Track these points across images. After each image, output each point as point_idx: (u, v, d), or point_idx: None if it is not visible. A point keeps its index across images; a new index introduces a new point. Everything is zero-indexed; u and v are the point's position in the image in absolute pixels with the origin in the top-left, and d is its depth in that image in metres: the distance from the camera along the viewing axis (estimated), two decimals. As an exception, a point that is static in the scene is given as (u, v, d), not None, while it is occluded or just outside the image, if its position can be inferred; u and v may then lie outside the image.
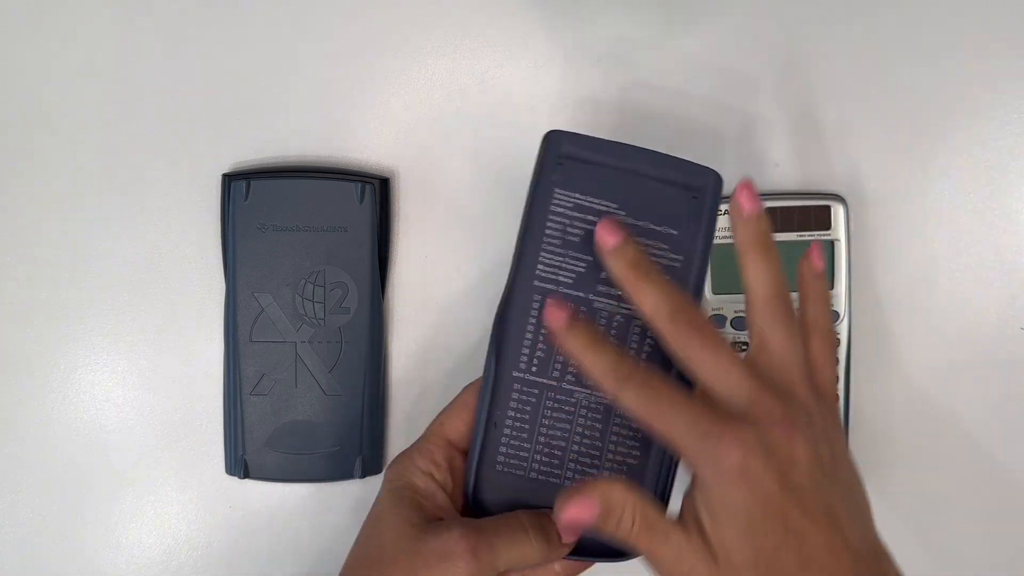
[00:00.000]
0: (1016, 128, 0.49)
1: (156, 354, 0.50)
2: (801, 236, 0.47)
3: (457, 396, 0.41)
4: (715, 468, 0.34)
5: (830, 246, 0.48)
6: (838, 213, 0.48)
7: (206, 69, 0.49)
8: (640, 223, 0.39)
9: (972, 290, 0.49)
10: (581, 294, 0.39)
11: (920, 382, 0.49)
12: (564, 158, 0.39)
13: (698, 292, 0.39)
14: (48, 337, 0.50)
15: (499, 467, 0.39)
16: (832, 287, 0.47)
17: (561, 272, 0.39)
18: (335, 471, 0.48)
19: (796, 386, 0.36)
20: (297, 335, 0.47)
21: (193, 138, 0.49)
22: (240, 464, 0.48)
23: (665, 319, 0.36)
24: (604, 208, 0.39)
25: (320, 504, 0.50)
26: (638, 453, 0.39)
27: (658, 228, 0.39)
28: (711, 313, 0.48)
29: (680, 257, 0.39)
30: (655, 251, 0.39)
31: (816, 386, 0.37)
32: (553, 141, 0.40)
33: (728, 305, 0.48)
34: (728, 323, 0.48)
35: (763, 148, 0.49)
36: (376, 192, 0.47)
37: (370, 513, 0.39)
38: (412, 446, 0.40)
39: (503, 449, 0.39)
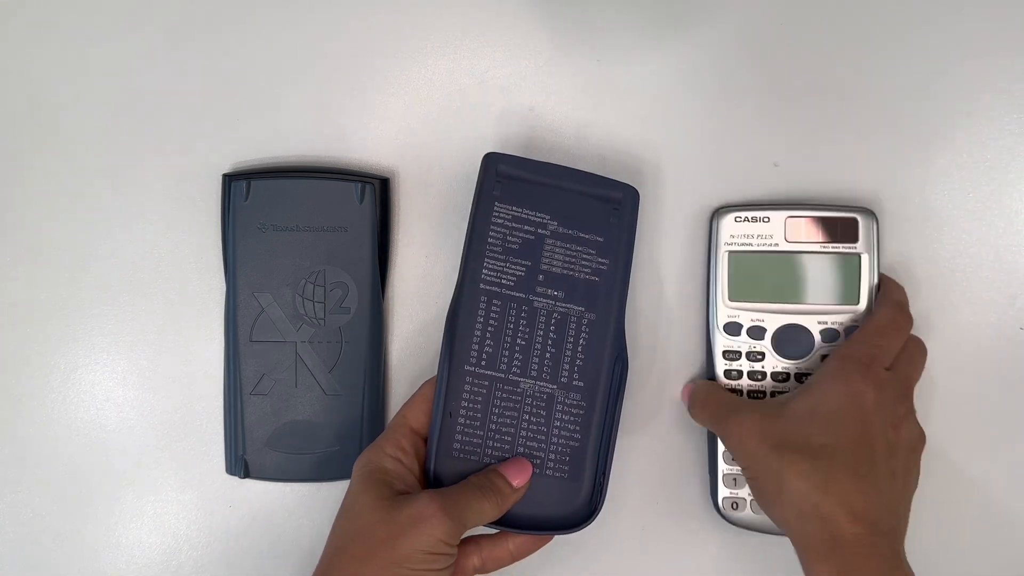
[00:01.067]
0: (1016, 128, 0.49)
1: (156, 354, 0.50)
2: (824, 247, 0.46)
3: (418, 389, 0.45)
4: (848, 376, 0.42)
5: (856, 260, 0.46)
6: (865, 225, 0.46)
7: (206, 69, 0.49)
8: (571, 231, 0.45)
9: (972, 290, 0.49)
10: (522, 295, 0.44)
11: (919, 382, 0.49)
12: (502, 177, 0.45)
13: (623, 288, 0.45)
14: (48, 337, 0.50)
15: (455, 453, 0.44)
16: (857, 302, 0.46)
17: (504, 276, 0.44)
18: (335, 471, 0.48)
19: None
20: (297, 335, 0.47)
21: (193, 138, 0.49)
22: (240, 464, 0.48)
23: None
24: (539, 219, 0.45)
25: (320, 504, 0.49)
26: (579, 436, 0.44)
27: (586, 236, 0.45)
28: (727, 320, 0.47)
29: (606, 260, 0.45)
30: (584, 256, 0.45)
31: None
32: (492, 161, 0.45)
33: (744, 313, 0.47)
34: (744, 331, 0.47)
35: (763, 148, 0.49)
36: (376, 192, 0.47)
37: (344, 500, 0.42)
38: (379, 438, 0.44)
39: (459, 436, 0.44)
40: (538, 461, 0.44)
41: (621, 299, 0.45)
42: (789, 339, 0.46)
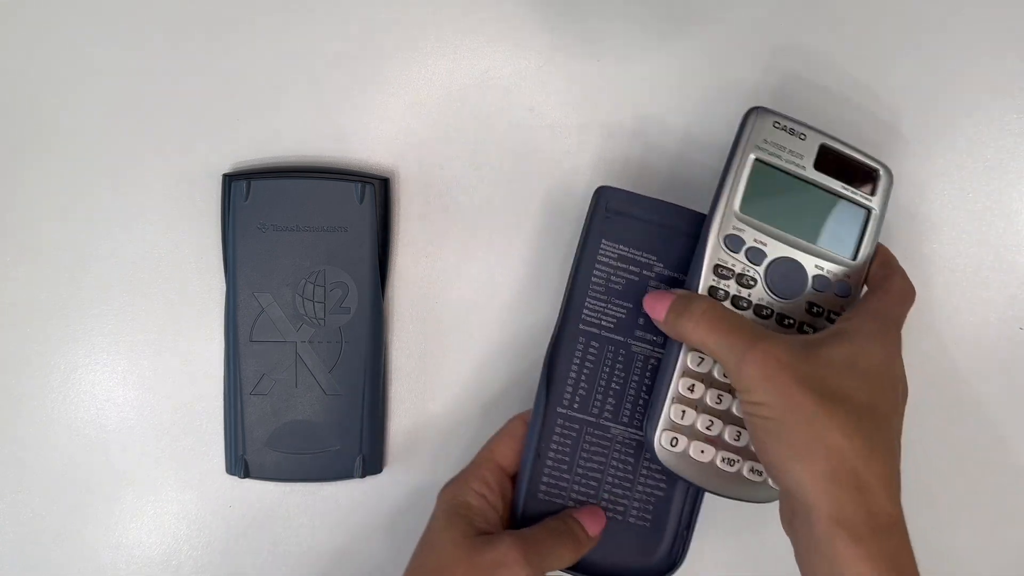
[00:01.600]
0: (1016, 128, 0.49)
1: (156, 354, 0.50)
2: (845, 188, 0.43)
3: (505, 425, 0.45)
4: (886, 331, 0.40)
5: (866, 214, 0.44)
6: (882, 182, 0.44)
7: (207, 69, 0.49)
8: (676, 275, 0.44)
9: (972, 290, 0.49)
10: (620, 338, 0.44)
11: (918, 382, 0.49)
12: (611, 212, 0.44)
13: None
14: (48, 337, 0.50)
15: (541, 495, 0.43)
16: (855, 258, 0.44)
17: (604, 317, 0.44)
18: (335, 471, 0.48)
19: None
20: (297, 335, 0.47)
21: (193, 138, 0.49)
22: (240, 464, 0.48)
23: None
24: (645, 260, 0.44)
25: (320, 504, 0.50)
26: (664, 486, 0.44)
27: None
28: (731, 232, 0.43)
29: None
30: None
31: None
32: (603, 196, 0.44)
33: (749, 231, 0.43)
34: (744, 249, 0.43)
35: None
36: (376, 192, 0.47)
37: (425, 532, 0.43)
38: (465, 470, 0.44)
39: (545, 479, 0.43)
40: (622, 508, 0.44)
41: None
42: (783, 274, 0.43)
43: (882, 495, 0.35)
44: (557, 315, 0.44)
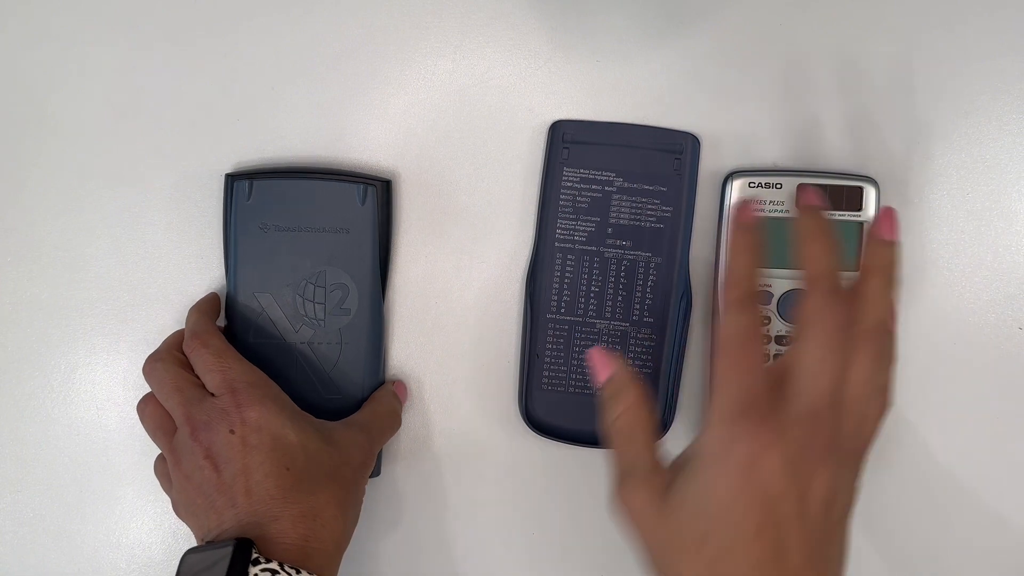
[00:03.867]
0: (1015, 128, 0.49)
1: (156, 354, 0.50)
2: (831, 215, 0.47)
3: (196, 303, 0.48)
4: (730, 444, 0.34)
5: (858, 227, 0.47)
6: (869, 195, 0.47)
7: (207, 69, 0.49)
8: (635, 185, 0.48)
9: (971, 290, 0.49)
10: (593, 248, 0.48)
11: (918, 382, 0.49)
12: (568, 142, 0.48)
13: (687, 232, 0.48)
14: (48, 337, 0.50)
15: (544, 386, 0.49)
16: (857, 269, 0.45)
17: (576, 233, 0.48)
18: None
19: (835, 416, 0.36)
20: (297, 335, 0.47)
21: (194, 138, 0.49)
22: None
23: (817, 286, 0.38)
24: (605, 178, 0.48)
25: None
26: (651, 364, 0.49)
27: (650, 187, 0.48)
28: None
29: (670, 208, 0.48)
30: (649, 206, 0.48)
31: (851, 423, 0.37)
32: (558, 129, 0.48)
33: (776, 282, 0.48)
34: (775, 302, 0.48)
35: (763, 147, 0.49)
36: (378, 194, 0.47)
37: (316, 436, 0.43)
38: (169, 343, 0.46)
39: (546, 373, 0.49)
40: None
41: (685, 242, 0.48)
42: (793, 303, 0.47)
43: None
44: (532, 239, 0.49)
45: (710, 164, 0.49)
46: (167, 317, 0.49)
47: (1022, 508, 0.50)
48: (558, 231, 0.48)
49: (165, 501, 0.49)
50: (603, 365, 0.40)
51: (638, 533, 0.37)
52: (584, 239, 0.48)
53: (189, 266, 0.49)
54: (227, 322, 0.48)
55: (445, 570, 0.50)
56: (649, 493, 0.36)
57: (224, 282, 0.48)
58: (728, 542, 0.33)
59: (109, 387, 0.50)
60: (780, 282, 0.48)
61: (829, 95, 0.49)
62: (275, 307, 0.47)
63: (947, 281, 0.49)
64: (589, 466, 0.49)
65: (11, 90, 0.49)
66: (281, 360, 0.47)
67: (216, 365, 0.43)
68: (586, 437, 0.48)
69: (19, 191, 0.49)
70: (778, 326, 0.48)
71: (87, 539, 0.50)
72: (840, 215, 0.47)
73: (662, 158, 0.48)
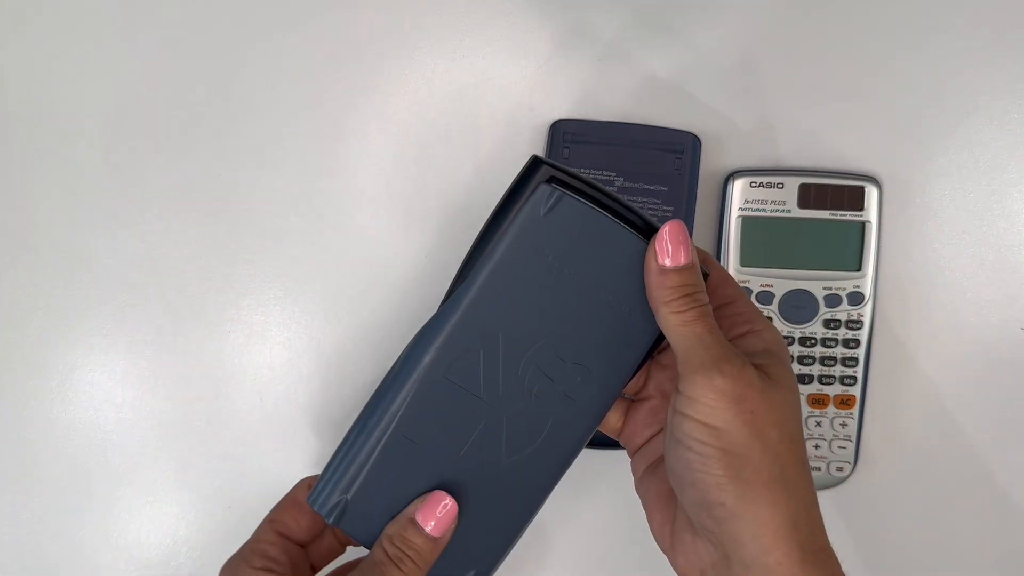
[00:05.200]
0: (1016, 128, 0.49)
1: (155, 354, 0.49)
2: (833, 215, 0.47)
3: (287, 493, 0.41)
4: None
5: (860, 227, 0.48)
6: (871, 195, 0.48)
7: (207, 69, 0.49)
8: (635, 185, 0.48)
9: (972, 290, 0.49)
10: None
11: (919, 382, 0.49)
12: (568, 142, 0.48)
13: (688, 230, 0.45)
14: (47, 337, 0.49)
15: None
16: (859, 268, 0.48)
17: None
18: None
19: None
20: (500, 401, 0.37)
21: (194, 138, 0.49)
22: (338, 507, 0.37)
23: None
24: (605, 177, 0.47)
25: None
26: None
27: (651, 187, 0.47)
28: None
29: (671, 208, 0.48)
30: (650, 206, 0.47)
31: None
32: (558, 129, 0.48)
33: (754, 279, 0.48)
34: (753, 296, 0.48)
35: (763, 147, 0.49)
36: None
37: None
38: (243, 547, 0.39)
39: None
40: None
41: None
42: (794, 304, 0.48)
43: (823, 535, 0.33)
44: None
45: (711, 164, 0.49)
46: (166, 317, 0.49)
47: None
48: None
49: (164, 501, 0.50)
50: (685, 251, 0.34)
51: (742, 409, 0.32)
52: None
53: (188, 266, 0.49)
54: (421, 338, 0.38)
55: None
56: (759, 374, 0.33)
57: (224, 283, 0.48)
58: (801, 439, 0.33)
59: (108, 387, 0.50)
60: (781, 282, 0.48)
61: (830, 95, 0.49)
62: (496, 355, 0.37)
63: (949, 281, 0.49)
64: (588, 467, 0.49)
65: (11, 90, 0.49)
66: (462, 417, 0.37)
67: None
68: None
69: (19, 191, 0.49)
70: (778, 326, 0.48)
71: (85, 540, 0.50)
72: (842, 215, 0.47)
73: (663, 158, 0.48)
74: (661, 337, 0.36)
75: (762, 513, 0.32)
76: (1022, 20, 0.49)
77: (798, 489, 0.32)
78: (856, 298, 0.47)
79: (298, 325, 0.49)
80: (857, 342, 0.47)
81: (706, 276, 0.35)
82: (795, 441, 0.33)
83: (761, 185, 0.47)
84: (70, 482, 0.50)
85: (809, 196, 0.47)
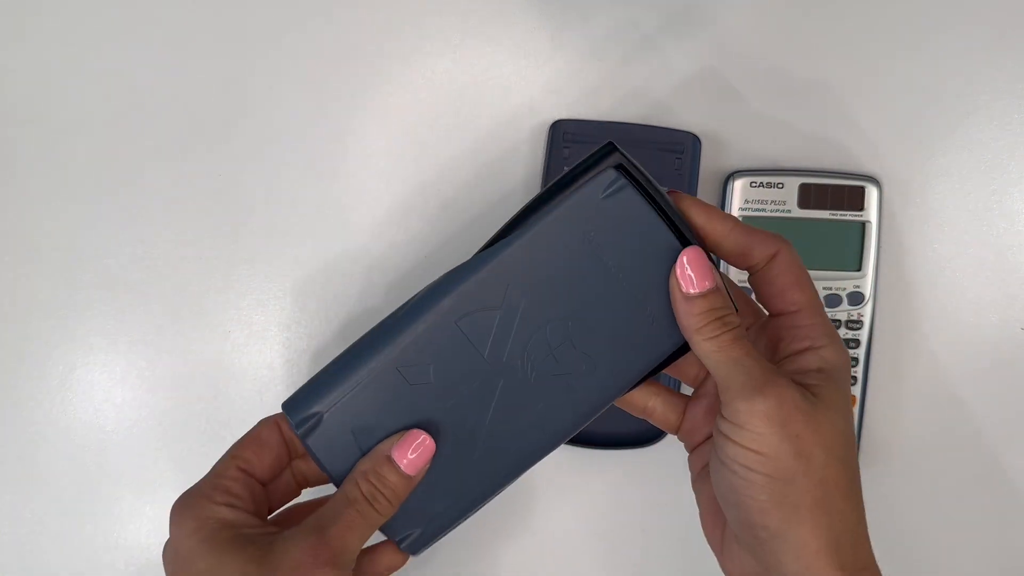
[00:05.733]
0: (1016, 128, 0.49)
1: (155, 354, 0.49)
2: (834, 215, 0.47)
3: (251, 430, 0.38)
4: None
5: (860, 227, 0.48)
6: (871, 195, 0.48)
7: (206, 69, 0.49)
8: None
9: (972, 290, 0.49)
10: None
11: (920, 382, 0.49)
12: (569, 141, 0.47)
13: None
14: (47, 337, 0.49)
15: None
16: (860, 269, 0.48)
17: None
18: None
19: None
20: (502, 368, 0.36)
21: (194, 138, 0.49)
22: (310, 419, 0.36)
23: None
24: None
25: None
26: None
27: None
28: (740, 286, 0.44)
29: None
30: None
31: None
32: (559, 128, 0.48)
33: None
34: (753, 296, 0.46)
35: (762, 147, 0.49)
36: None
37: (179, 566, 0.35)
38: (202, 481, 0.37)
39: None
40: None
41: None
42: None
43: (868, 554, 0.33)
44: None
45: (711, 164, 0.49)
46: (165, 317, 0.49)
47: (1024, 509, 0.50)
48: None
49: (163, 502, 0.49)
50: (708, 274, 0.34)
51: (787, 431, 0.31)
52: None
53: (187, 266, 0.49)
54: (443, 281, 0.36)
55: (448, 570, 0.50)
56: (802, 393, 0.32)
57: (225, 284, 0.48)
58: (852, 453, 0.33)
59: (107, 387, 0.50)
60: None
61: (830, 95, 0.49)
62: (515, 323, 0.36)
63: (949, 281, 0.49)
64: (592, 466, 0.49)
65: (10, 90, 0.49)
66: (462, 373, 0.36)
67: None
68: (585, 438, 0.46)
69: (18, 191, 0.49)
70: None
71: (85, 540, 0.50)
72: (842, 215, 0.47)
73: (663, 157, 0.48)
74: (676, 353, 0.36)
75: (804, 535, 0.32)
76: (1022, 20, 0.49)
77: (843, 512, 0.32)
78: (856, 298, 0.47)
79: (298, 325, 0.49)
80: (857, 342, 0.47)
81: (773, 280, 0.35)
82: (843, 462, 0.32)
83: (761, 185, 0.47)
84: (70, 482, 0.50)
85: (809, 196, 0.47)
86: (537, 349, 0.36)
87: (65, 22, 0.49)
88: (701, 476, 0.38)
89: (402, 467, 0.35)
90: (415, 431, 0.36)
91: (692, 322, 0.33)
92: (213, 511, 0.35)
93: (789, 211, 0.47)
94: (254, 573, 0.33)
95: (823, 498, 0.32)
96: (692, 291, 0.34)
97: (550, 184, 0.36)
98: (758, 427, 0.32)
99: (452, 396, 0.36)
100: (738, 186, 0.47)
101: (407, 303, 0.37)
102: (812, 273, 0.46)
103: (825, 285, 0.47)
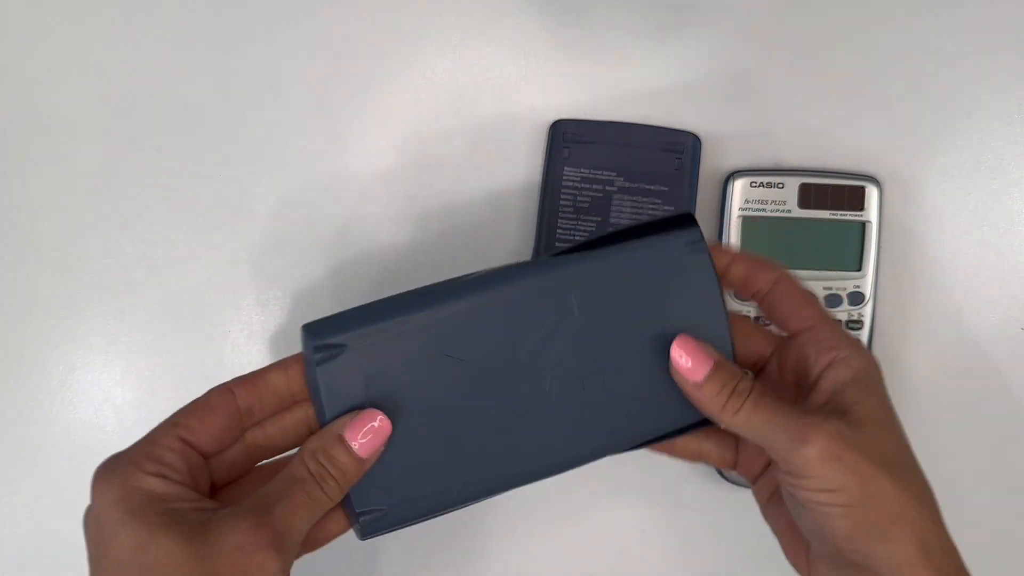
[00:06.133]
0: (1016, 128, 0.49)
1: (155, 354, 0.49)
2: (834, 215, 0.47)
3: (201, 396, 0.36)
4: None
5: (861, 227, 0.47)
6: (872, 195, 0.47)
7: (206, 69, 0.49)
8: (636, 185, 0.48)
9: (972, 290, 0.49)
10: None
11: (920, 382, 0.49)
12: (569, 141, 0.48)
13: None
14: (47, 337, 0.49)
15: None
16: (860, 269, 0.47)
17: (576, 232, 0.48)
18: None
19: None
20: (532, 371, 0.36)
21: (193, 138, 0.49)
22: (333, 348, 0.35)
23: None
24: (606, 177, 0.47)
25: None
26: None
27: (651, 187, 0.48)
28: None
29: (671, 208, 0.48)
30: (650, 206, 0.48)
31: None
32: (559, 128, 0.48)
33: None
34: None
35: (763, 147, 0.49)
36: None
37: (99, 544, 0.33)
38: (133, 447, 0.34)
39: None
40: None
41: None
42: None
43: (956, 554, 0.34)
44: (533, 239, 0.48)
45: (711, 163, 0.49)
46: (165, 318, 0.49)
47: (1024, 509, 0.49)
48: (559, 231, 0.48)
49: (164, 502, 0.49)
50: (703, 358, 0.35)
51: (845, 463, 0.33)
52: (584, 239, 0.47)
53: (187, 266, 0.49)
54: (514, 275, 0.36)
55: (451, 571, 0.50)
56: (843, 422, 0.34)
57: (224, 284, 0.48)
58: (909, 455, 0.35)
59: (107, 388, 0.49)
60: None
61: (830, 94, 0.49)
62: (563, 327, 0.36)
63: (950, 281, 0.49)
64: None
65: (10, 90, 0.49)
66: (491, 358, 0.36)
67: None
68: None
69: (18, 191, 0.49)
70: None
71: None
72: (842, 215, 0.47)
73: (663, 157, 0.48)
74: (679, 431, 0.36)
75: (894, 549, 0.33)
76: (1022, 20, 0.49)
77: (922, 518, 0.33)
78: (856, 298, 0.47)
79: (298, 325, 0.49)
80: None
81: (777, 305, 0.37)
82: (905, 468, 0.34)
83: (761, 185, 0.47)
84: (70, 483, 0.50)
85: (809, 196, 0.47)
86: (571, 368, 0.36)
87: (65, 22, 0.49)
88: (771, 505, 0.38)
89: (355, 449, 0.34)
90: (371, 411, 0.34)
91: (710, 406, 0.35)
92: (141, 480, 0.32)
93: (789, 211, 0.47)
94: (186, 553, 0.30)
95: (901, 511, 0.33)
96: (698, 380, 0.35)
97: (627, 226, 0.37)
98: (817, 471, 0.33)
99: (473, 381, 0.35)
100: (738, 186, 0.47)
101: (463, 277, 0.36)
102: (812, 273, 0.47)
103: (825, 285, 0.47)
